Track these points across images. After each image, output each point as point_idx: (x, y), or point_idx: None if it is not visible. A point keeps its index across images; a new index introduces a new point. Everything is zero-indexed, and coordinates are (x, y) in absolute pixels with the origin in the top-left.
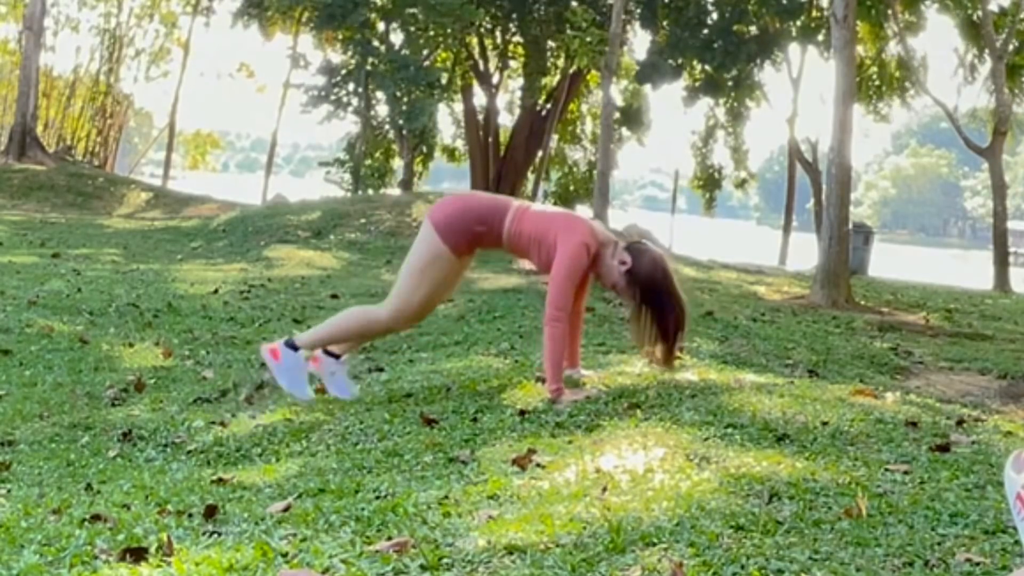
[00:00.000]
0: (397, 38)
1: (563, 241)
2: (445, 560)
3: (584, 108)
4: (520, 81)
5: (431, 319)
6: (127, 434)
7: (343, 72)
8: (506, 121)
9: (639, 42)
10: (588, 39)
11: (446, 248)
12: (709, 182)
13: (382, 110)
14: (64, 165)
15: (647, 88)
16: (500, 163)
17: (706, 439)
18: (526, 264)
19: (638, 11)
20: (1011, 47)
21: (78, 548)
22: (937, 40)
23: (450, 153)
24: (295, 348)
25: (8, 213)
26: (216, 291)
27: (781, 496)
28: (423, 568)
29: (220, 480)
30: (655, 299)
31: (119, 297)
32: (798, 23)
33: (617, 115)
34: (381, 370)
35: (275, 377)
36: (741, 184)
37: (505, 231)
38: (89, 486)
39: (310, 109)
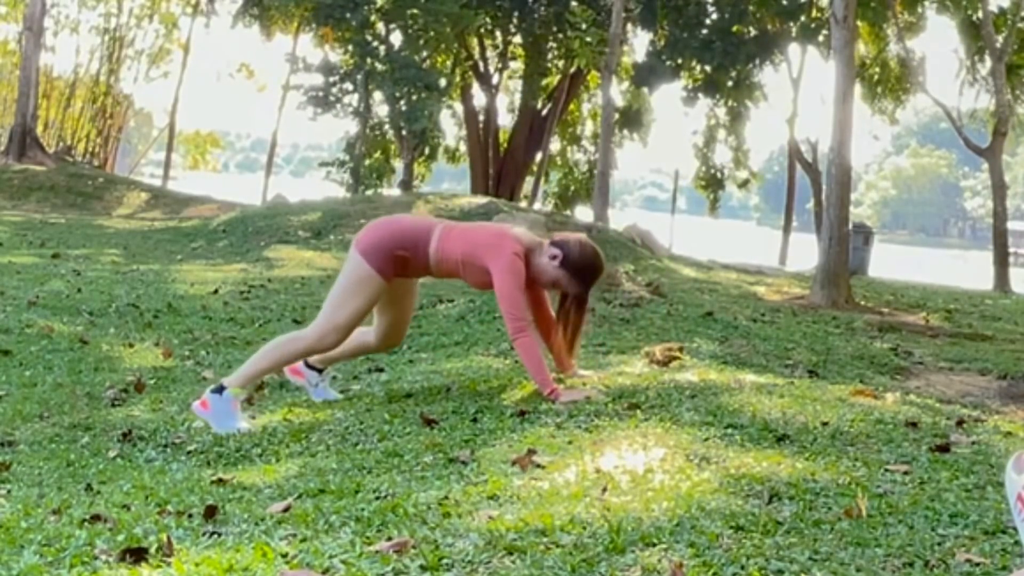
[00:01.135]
0: (397, 39)
1: (493, 258)
2: (445, 560)
3: (584, 109)
4: (520, 82)
5: (432, 319)
6: (127, 434)
7: (342, 72)
8: (506, 122)
9: (638, 42)
10: (588, 39)
11: (372, 271)
12: (712, 182)
13: (382, 110)
14: (64, 165)
15: (646, 89)
16: (500, 164)
17: (706, 439)
18: None
19: (637, 11)
20: (1011, 47)
21: (78, 548)
22: (937, 40)
23: (450, 155)
24: (222, 390)
25: (8, 213)
26: (216, 291)
27: (781, 496)
28: (423, 568)
29: (220, 480)
30: (592, 280)
31: (119, 297)
32: (798, 23)
33: (617, 116)
34: (381, 370)
35: (209, 424)
36: (744, 184)
37: (431, 254)
38: (89, 486)
39: (309, 109)
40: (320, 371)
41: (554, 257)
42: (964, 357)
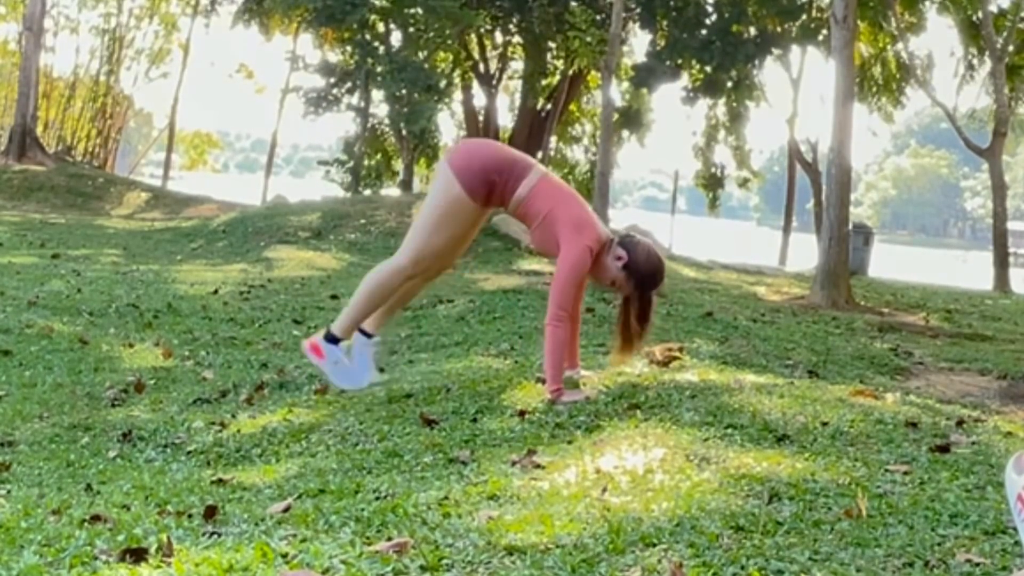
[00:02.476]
0: (397, 39)
1: (570, 241)
2: (445, 561)
3: (584, 109)
4: (520, 82)
5: (432, 319)
6: (127, 435)
7: (342, 72)
8: (506, 122)
9: (638, 43)
10: (588, 39)
11: (463, 192)
12: (712, 181)
13: (381, 111)
14: (64, 166)
15: (646, 89)
16: None
17: (706, 440)
18: (526, 265)
19: (637, 11)
20: (1011, 48)
21: (78, 549)
22: (937, 40)
23: None
24: (336, 340)
25: (8, 214)
26: (216, 292)
27: (781, 496)
28: (423, 569)
29: (220, 481)
30: (651, 288)
31: (119, 298)
32: (798, 24)
33: (617, 116)
34: (381, 370)
35: (326, 376)
36: (744, 183)
37: (518, 192)
38: (89, 487)
39: (309, 109)
40: (370, 336)
41: (619, 258)
42: (964, 357)
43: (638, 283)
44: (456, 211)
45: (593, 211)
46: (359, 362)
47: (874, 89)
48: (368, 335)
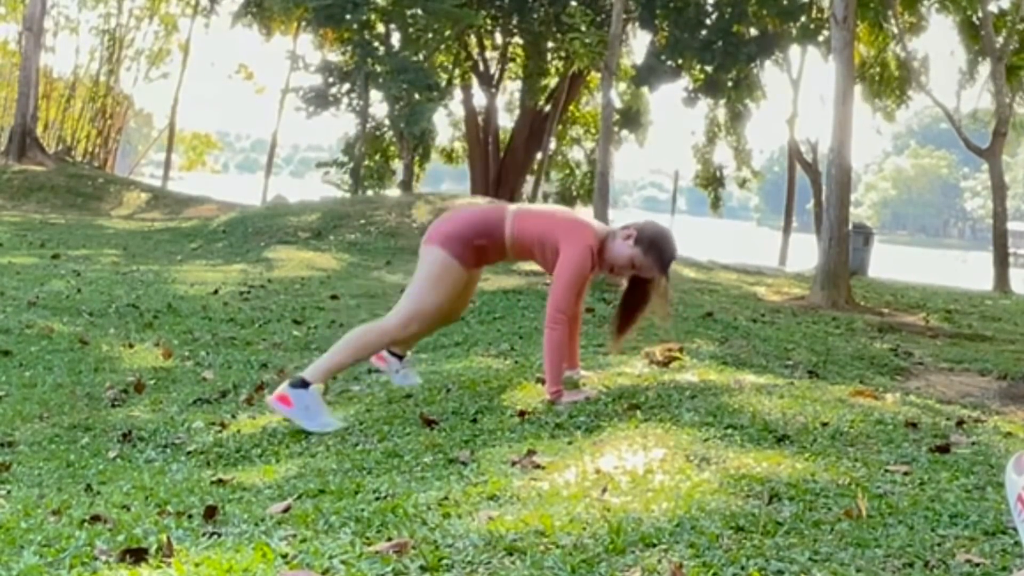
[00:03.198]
0: (396, 39)
1: (568, 244)
2: (445, 561)
3: (584, 109)
4: (520, 82)
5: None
6: (127, 435)
7: (342, 72)
8: (506, 122)
9: (638, 43)
10: (588, 40)
11: (453, 260)
12: (713, 181)
13: (381, 111)
14: (64, 166)
15: (645, 90)
16: (500, 164)
17: (706, 440)
18: (526, 266)
19: (637, 12)
20: (1010, 48)
21: (78, 549)
22: (937, 41)
23: (447, 155)
24: (305, 385)
25: (8, 214)
26: (216, 292)
27: (781, 497)
28: (423, 569)
29: (220, 481)
30: (669, 255)
31: (119, 298)
32: (798, 24)
33: (616, 116)
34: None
35: (297, 422)
36: (743, 184)
37: (507, 238)
38: (89, 487)
39: (308, 109)
40: (401, 357)
41: (628, 236)
42: (964, 357)
43: (654, 253)
44: (447, 276)
45: (589, 212)
46: (410, 381)
47: (876, 88)
48: (400, 356)
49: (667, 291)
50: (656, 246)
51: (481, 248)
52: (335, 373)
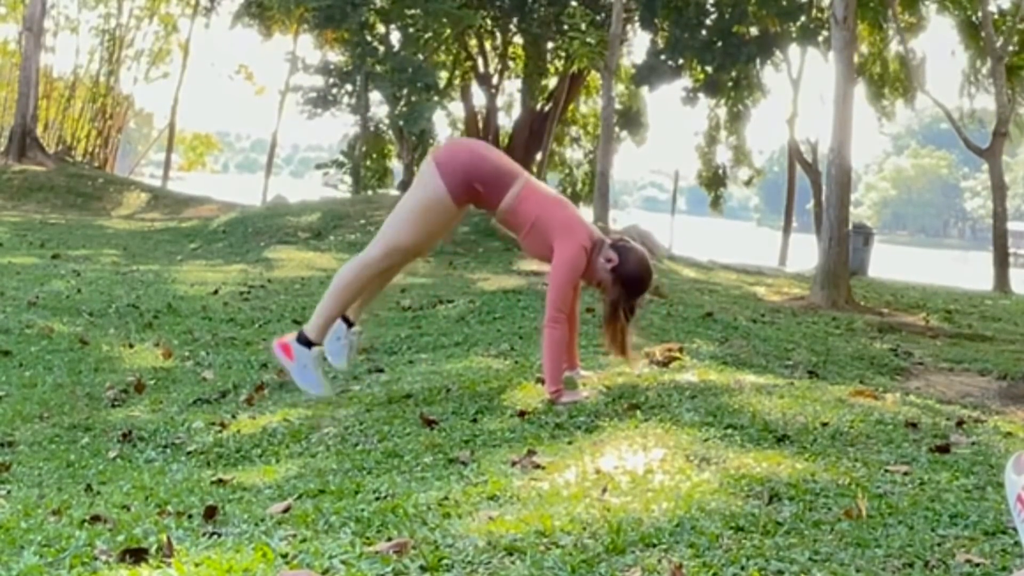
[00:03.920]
0: (396, 39)
1: (563, 243)
2: (445, 561)
3: (584, 109)
4: (520, 82)
5: (432, 319)
6: (127, 435)
7: (342, 72)
8: (506, 122)
9: (638, 43)
10: (588, 40)
11: (445, 191)
12: (714, 181)
13: (381, 111)
14: (64, 166)
15: (644, 90)
16: None
17: (706, 440)
18: (526, 266)
19: (637, 12)
20: (1010, 48)
21: (78, 549)
22: (937, 41)
23: None
24: (309, 344)
25: (8, 214)
26: (216, 292)
27: (781, 497)
28: (423, 569)
29: (220, 481)
30: (634, 296)
31: (119, 298)
32: (798, 24)
33: (616, 116)
34: (381, 371)
35: (289, 375)
36: (748, 182)
37: (503, 204)
38: (89, 487)
39: (309, 110)
40: (351, 324)
41: (609, 260)
42: (964, 358)
43: (623, 289)
44: (435, 209)
45: (589, 212)
46: (332, 350)
47: (877, 90)
48: (350, 323)
49: (624, 327)
50: (627, 286)
51: (477, 193)
52: (332, 321)
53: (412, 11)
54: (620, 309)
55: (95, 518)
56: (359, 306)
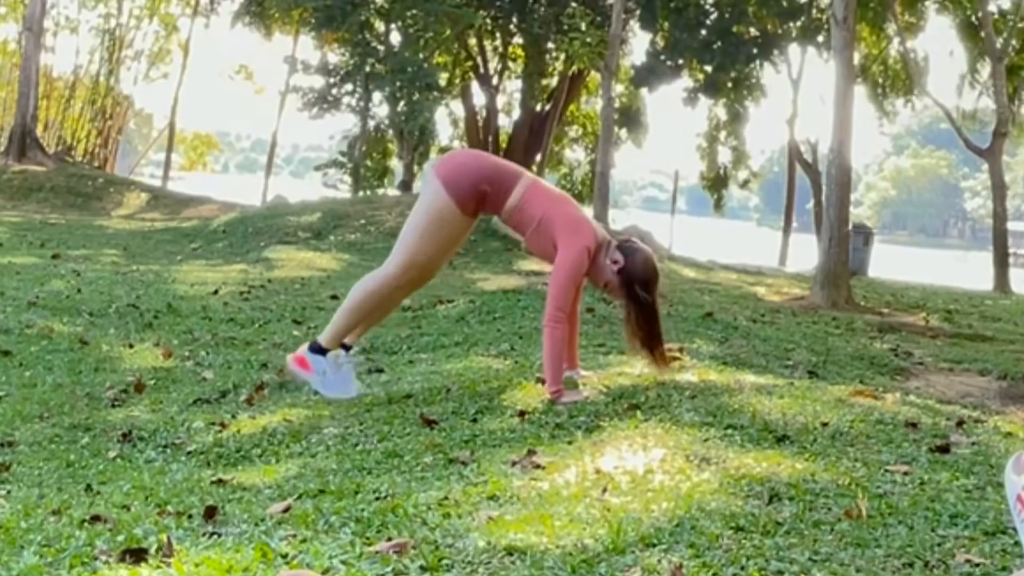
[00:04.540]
0: (396, 39)
1: (566, 242)
2: (445, 561)
3: (584, 109)
4: (520, 82)
5: (432, 319)
6: (127, 435)
7: (342, 72)
8: (506, 122)
9: (638, 43)
10: (588, 40)
11: (451, 203)
12: (716, 182)
13: (382, 111)
14: (64, 166)
15: (644, 90)
16: None
17: (706, 440)
18: (526, 266)
19: (637, 12)
20: (1010, 48)
21: (78, 549)
22: (937, 41)
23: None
24: (323, 351)
25: (8, 214)
26: (216, 292)
27: (781, 497)
28: (423, 569)
29: (220, 481)
30: (640, 296)
31: (119, 298)
32: (798, 24)
33: (616, 116)
34: (381, 371)
35: (314, 387)
36: (746, 183)
37: (510, 202)
38: (89, 487)
39: (311, 112)
40: (348, 348)
41: (615, 262)
42: (964, 358)
43: (630, 290)
44: (445, 221)
45: (589, 212)
46: (344, 373)
47: (878, 90)
48: (347, 348)
49: (654, 330)
50: (634, 288)
51: (484, 195)
52: (348, 332)
53: (412, 11)
54: (634, 312)
55: (95, 518)
56: (360, 332)
